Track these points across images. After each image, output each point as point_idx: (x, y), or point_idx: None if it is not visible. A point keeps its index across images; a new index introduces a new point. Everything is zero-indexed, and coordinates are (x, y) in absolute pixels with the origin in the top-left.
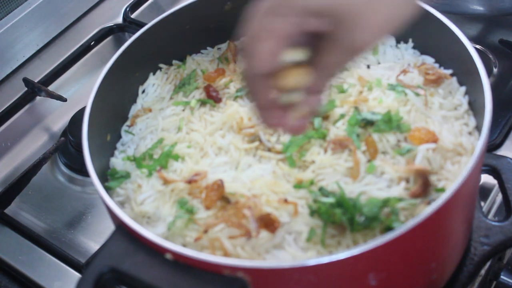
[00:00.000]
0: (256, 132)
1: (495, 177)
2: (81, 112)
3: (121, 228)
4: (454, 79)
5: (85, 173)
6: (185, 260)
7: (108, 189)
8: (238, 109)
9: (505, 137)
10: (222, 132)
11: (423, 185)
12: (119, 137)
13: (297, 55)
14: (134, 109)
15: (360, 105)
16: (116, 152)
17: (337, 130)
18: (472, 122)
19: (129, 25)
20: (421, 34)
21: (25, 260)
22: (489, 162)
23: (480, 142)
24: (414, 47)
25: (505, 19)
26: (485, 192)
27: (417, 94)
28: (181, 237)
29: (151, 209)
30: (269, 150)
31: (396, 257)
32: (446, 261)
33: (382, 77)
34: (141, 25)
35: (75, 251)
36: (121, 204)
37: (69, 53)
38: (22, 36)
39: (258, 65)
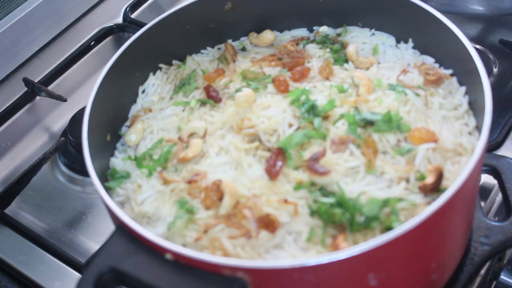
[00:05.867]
0: (256, 132)
1: (495, 177)
2: (81, 112)
3: (121, 228)
4: (454, 79)
5: (85, 173)
6: (185, 260)
7: (108, 189)
8: (238, 109)
9: (505, 137)
10: (222, 132)
11: (438, 178)
12: (119, 137)
13: None
14: (134, 109)
15: (360, 105)
16: (116, 152)
17: (337, 130)
18: (472, 122)
19: (129, 25)
20: (421, 34)
21: (25, 260)
22: (489, 162)
23: (480, 142)
24: (414, 47)
25: (505, 19)
26: (485, 192)
27: (417, 95)
28: (181, 237)
29: (151, 209)
30: (269, 150)
31: (396, 257)
32: (446, 261)
33: (382, 77)
34: (141, 25)
35: (75, 251)
36: (121, 204)
37: (69, 53)
38: (22, 36)
39: None
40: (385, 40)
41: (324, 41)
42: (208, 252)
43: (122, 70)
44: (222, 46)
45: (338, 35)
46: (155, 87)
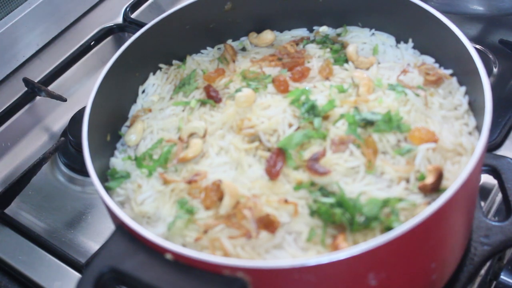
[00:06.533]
0: (256, 132)
1: (495, 177)
2: (81, 112)
3: (121, 228)
4: (454, 79)
5: (85, 173)
6: (185, 260)
7: (108, 189)
8: (238, 109)
9: (505, 137)
10: (222, 132)
11: (438, 178)
12: (119, 137)
13: None
14: (134, 109)
15: (360, 105)
16: (116, 152)
17: (337, 130)
18: (472, 122)
19: (129, 25)
20: (421, 34)
21: (25, 260)
22: (489, 162)
23: (480, 142)
24: (414, 47)
25: (505, 19)
26: (485, 192)
27: (417, 95)
28: (181, 237)
29: (151, 209)
30: (269, 150)
31: (396, 257)
32: (446, 261)
33: (382, 77)
34: (141, 25)
35: (75, 251)
36: (121, 204)
37: (69, 53)
38: (22, 36)
39: None
40: (385, 40)
41: (324, 41)
42: (208, 252)
43: (122, 70)
44: (222, 46)
45: (338, 35)
46: (155, 87)
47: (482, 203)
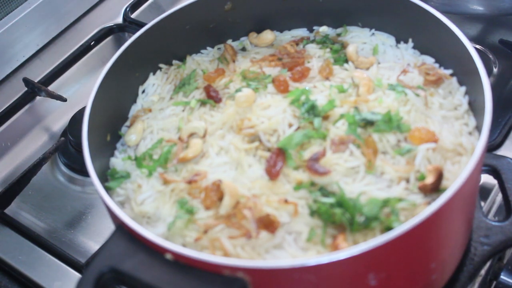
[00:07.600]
0: (256, 132)
1: (495, 177)
2: (81, 112)
3: (121, 228)
4: (454, 79)
5: (85, 173)
6: (185, 260)
7: (108, 189)
8: (238, 109)
9: (505, 137)
10: (222, 132)
11: (438, 178)
12: (119, 137)
13: None
14: (134, 109)
15: (360, 105)
16: (116, 152)
17: (337, 130)
18: (472, 122)
19: (129, 25)
20: (421, 34)
21: (25, 260)
22: (489, 162)
23: (480, 142)
24: (414, 47)
25: (505, 19)
26: (485, 192)
27: (417, 95)
28: (181, 237)
29: (151, 209)
30: (269, 150)
31: (396, 257)
32: (446, 261)
33: (382, 77)
34: (141, 25)
35: (75, 251)
36: (121, 204)
37: (69, 53)
38: (22, 36)
39: None
40: (385, 40)
41: (324, 41)
42: (208, 252)
43: (122, 70)
44: (222, 46)
45: (338, 35)
46: (155, 87)
47: (482, 203)
